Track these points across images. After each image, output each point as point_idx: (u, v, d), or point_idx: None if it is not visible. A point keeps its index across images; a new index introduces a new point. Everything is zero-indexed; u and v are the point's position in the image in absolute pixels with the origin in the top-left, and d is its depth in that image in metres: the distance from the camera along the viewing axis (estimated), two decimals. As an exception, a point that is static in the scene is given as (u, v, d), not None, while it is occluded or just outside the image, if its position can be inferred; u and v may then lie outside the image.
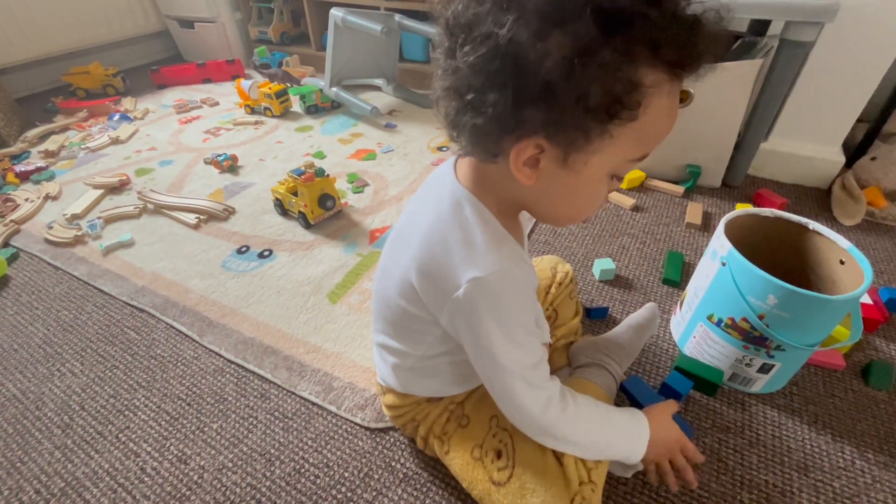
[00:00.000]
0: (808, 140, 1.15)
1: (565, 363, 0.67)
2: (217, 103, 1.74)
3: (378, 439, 0.64)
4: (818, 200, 1.13)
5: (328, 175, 1.03)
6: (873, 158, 1.11)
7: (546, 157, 0.36)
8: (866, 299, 0.80)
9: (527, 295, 0.43)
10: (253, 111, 1.64)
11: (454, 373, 0.53)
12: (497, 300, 0.40)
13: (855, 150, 1.17)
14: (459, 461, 0.52)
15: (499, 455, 0.50)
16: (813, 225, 0.67)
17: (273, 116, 1.61)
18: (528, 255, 0.51)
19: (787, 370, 0.66)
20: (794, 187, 1.18)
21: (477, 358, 0.43)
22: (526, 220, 0.55)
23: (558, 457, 0.48)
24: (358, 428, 0.66)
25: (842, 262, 0.65)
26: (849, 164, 1.15)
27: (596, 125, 0.33)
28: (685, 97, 1.05)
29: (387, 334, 0.53)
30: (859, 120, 1.11)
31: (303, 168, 1.03)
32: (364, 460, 0.62)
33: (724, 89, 1.04)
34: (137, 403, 0.70)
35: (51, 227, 1.05)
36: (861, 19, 0.97)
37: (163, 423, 0.67)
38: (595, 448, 0.47)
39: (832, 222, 1.05)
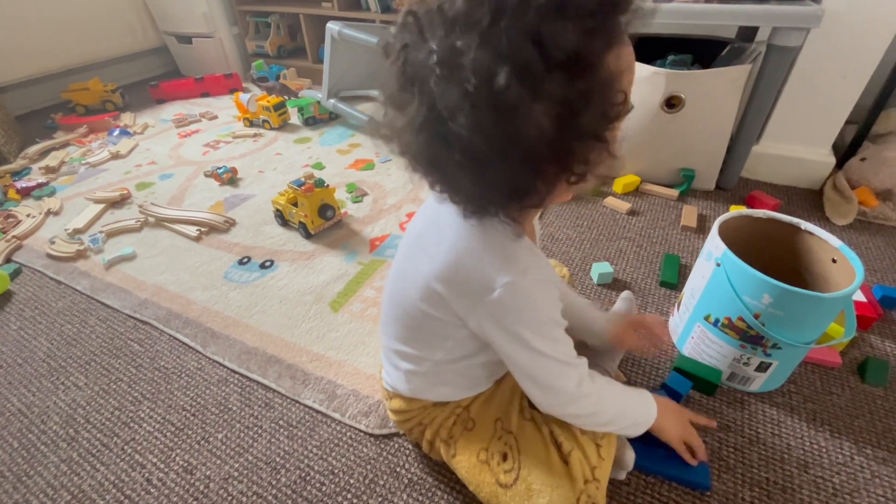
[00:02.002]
0: (799, 142, 1.17)
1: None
2: (216, 117, 1.76)
3: (383, 445, 0.65)
4: (811, 201, 1.14)
5: (328, 185, 1.04)
6: (863, 159, 1.13)
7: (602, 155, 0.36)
8: (860, 297, 0.81)
9: (553, 293, 0.45)
10: (252, 124, 1.66)
11: (466, 378, 0.54)
12: (529, 301, 0.42)
13: (845, 151, 1.19)
14: (466, 464, 0.53)
15: (504, 457, 0.51)
16: (805, 225, 0.69)
17: (272, 129, 1.63)
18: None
19: (785, 368, 0.67)
20: (786, 189, 1.20)
21: (511, 352, 0.45)
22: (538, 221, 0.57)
23: (563, 456, 0.48)
24: (362, 434, 0.66)
25: (834, 261, 0.66)
26: (839, 165, 1.18)
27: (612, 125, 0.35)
28: (677, 102, 1.07)
29: (402, 340, 0.54)
30: (848, 122, 1.14)
31: (303, 179, 1.04)
32: (369, 466, 0.62)
33: (716, 94, 1.06)
34: (142, 415, 0.71)
35: (53, 242, 1.06)
36: (845, 24, 0.99)
37: (168, 433, 0.68)
38: (619, 416, 0.52)
39: (825, 222, 1.07)
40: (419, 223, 0.51)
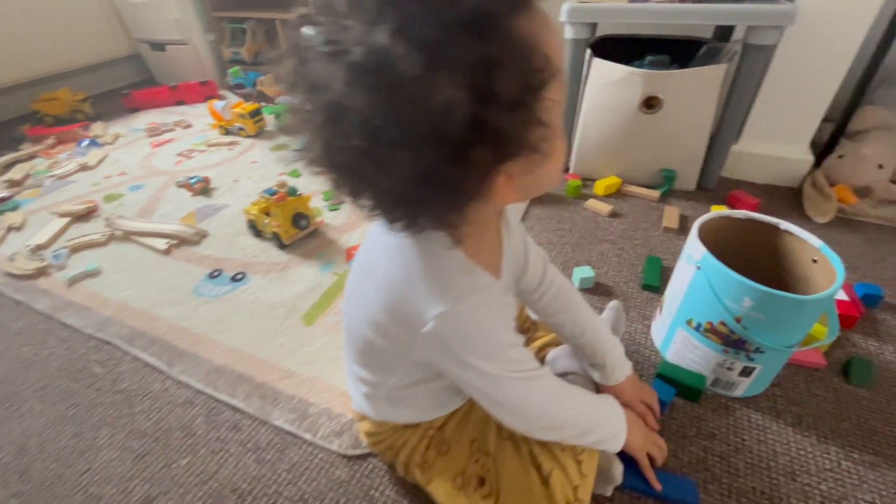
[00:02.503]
0: (778, 140, 1.17)
1: (545, 376, 0.66)
2: (190, 125, 1.71)
3: (356, 467, 0.61)
4: (791, 199, 1.14)
5: (301, 194, 1.01)
6: (840, 156, 1.13)
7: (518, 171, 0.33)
8: (842, 296, 0.80)
9: (502, 315, 0.42)
10: (227, 132, 1.62)
11: (429, 400, 0.51)
12: (470, 330, 0.39)
13: (823, 148, 1.19)
14: (442, 490, 0.50)
15: (482, 482, 0.48)
16: (784, 225, 0.68)
17: (248, 136, 1.59)
18: (504, 260, 0.48)
19: (769, 372, 0.66)
20: (767, 187, 1.19)
21: (466, 379, 0.41)
22: (514, 211, 0.53)
23: (543, 477, 0.46)
24: (335, 456, 0.63)
25: (814, 261, 0.65)
26: (818, 162, 1.18)
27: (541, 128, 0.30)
28: (655, 103, 1.06)
29: (358, 364, 0.51)
30: (825, 119, 1.14)
31: (275, 188, 1.01)
32: (341, 490, 0.59)
33: (693, 94, 1.05)
34: (101, 442, 0.66)
35: (12, 260, 1.01)
36: (819, 22, 0.99)
37: (127, 461, 0.64)
38: (594, 425, 0.49)
39: (805, 220, 1.06)
40: (368, 243, 0.47)
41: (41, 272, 0.99)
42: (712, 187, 1.19)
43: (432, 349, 0.40)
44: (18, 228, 1.15)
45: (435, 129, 0.27)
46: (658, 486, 0.55)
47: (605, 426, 0.50)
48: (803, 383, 0.70)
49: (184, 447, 0.65)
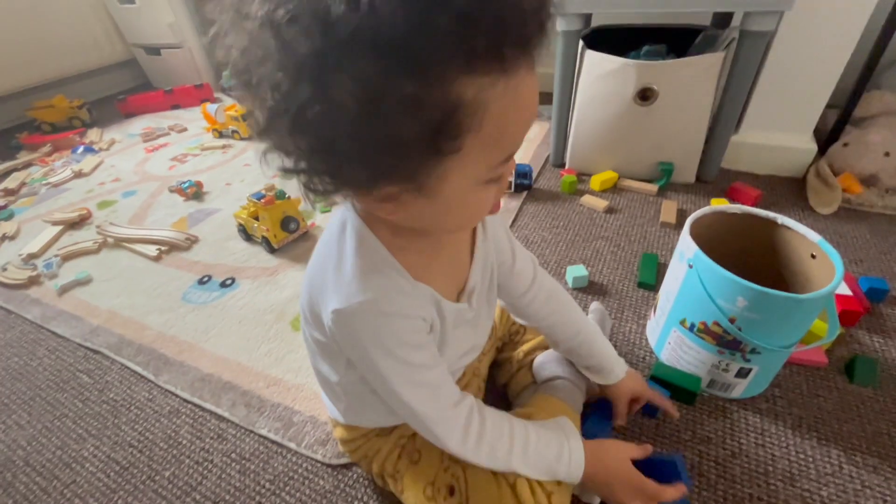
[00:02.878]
0: (779, 129, 1.13)
1: (530, 381, 0.64)
2: (185, 129, 1.71)
3: (340, 477, 0.60)
4: (794, 190, 1.11)
5: (289, 197, 0.99)
6: (846, 144, 1.09)
7: (403, 193, 0.32)
8: (845, 290, 0.77)
9: (401, 328, 0.39)
10: (221, 135, 1.61)
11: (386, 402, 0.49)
12: (361, 332, 0.38)
13: (827, 136, 1.15)
14: (413, 500, 0.49)
15: (451, 491, 0.47)
16: (781, 219, 0.65)
17: (242, 139, 1.58)
18: (473, 277, 0.47)
19: (767, 372, 0.63)
20: (769, 178, 1.16)
21: (374, 383, 0.41)
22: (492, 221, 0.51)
23: (512, 486, 0.44)
24: (319, 465, 0.62)
25: (813, 256, 0.62)
26: (822, 151, 1.14)
27: (428, 160, 0.29)
28: (650, 94, 1.03)
29: (312, 360, 0.51)
30: (830, 106, 1.10)
31: (263, 191, 1.00)
32: (324, 501, 0.58)
33: (690, 84, 1.02)
34: (86, 454, 0.66)
35: (4, 269, 1.01)
36: (820, 6, 0.95)
37: (111, 474, 0.63)
38: (515, 467, 0.44)
39: (808, 212, 1.03)
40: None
41: (33, 281, 0.99)
42: (712, 179, 1.16)
43: (342, 345, 0.40)
44: (12, 237, 1.15)
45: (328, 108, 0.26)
46: None
47: (540, 471, 0.45)
48: (804, 383, 0.67)
49: (168, 458, 0.64)
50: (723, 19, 1.19)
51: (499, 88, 0.28)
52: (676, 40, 1.19)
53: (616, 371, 0.58)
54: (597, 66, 1.06)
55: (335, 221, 0.41)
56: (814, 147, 1.12)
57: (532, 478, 0.45)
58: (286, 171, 0.31)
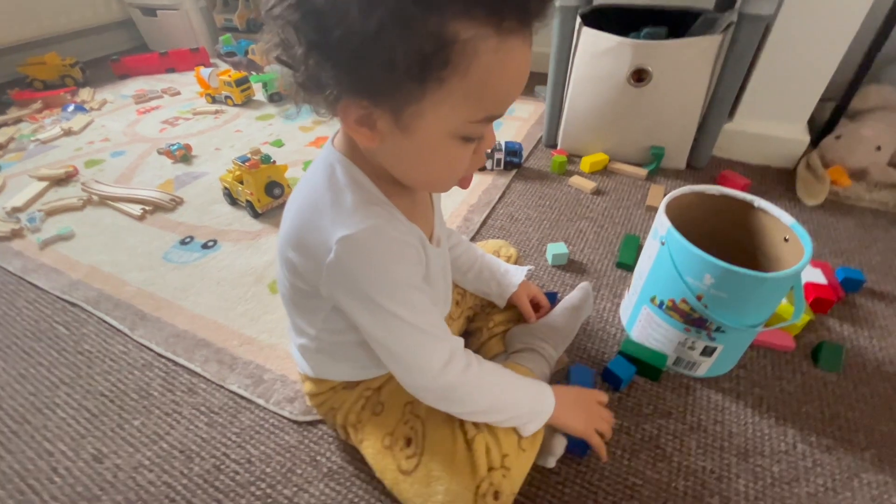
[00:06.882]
0: (773, 119, 1.12)
1: (502, 350, 0.65)
2: (178, 93, 1.69)
3: (305, 433, 0.61)
4: (783, 181, 1.10)
5: (274, 162, 0.99)
6: (838, 137, 1.08)
7: (380, 118, 0.34)
8: (821, 279, 0.78)
9: (403, 253, 0.40)
10: (214, 100, 1.59)
11: (364, 355, 0.50)
12: (369, 257, 0.38)
13: (822, 129, 1.14)
14: (371, 450, 0.50)
15: (408, 442, 0.48)
16: (758, 202, 0.65)
17: (234, 105, 1.56)
18: (437, 227, 0.50)
19: (732, 352, 0.64)
20: (760, 168, 1.15)
21: (365, 322, 0.40)
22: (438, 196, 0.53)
23: (468, 442, 0.45)
24: (285, 422, 0.63)
25: (786, 240, 0.62)
26: (815, 143, 1.13)
27: (411, 86, 0.31)
28: (644, 76, 1.02)
29: (288, 311, 0.51)
30: (827, 99, 1.09)
31: (248, 155, 0.99)
32: (288, 455, 0.59)
33: (685, 67, 1.01)
34: (58, 401, 0.67)
35: (-12, 221, 1.01)
36: (821, -8, 0.94)
37: (82, 420, 0.64)
38: (496, 408, 0.45)
39: (795, 202, 1.03)
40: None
41: (15, 234, 0.98)
42: (703, 166, 1.15)
43: (337, 283, 0.39)
44: (-2, 191, 1.14)
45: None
46: (605, 458, 0.54)
47: (518, 407, 0.46)
48: (770, 366, 0.68)
49: (138, 408, 0.65)
50: (726, 3, 1.16)
51: (491, 43, 0.30)
52: (678, 23, 1.17)
53: (514, 281, 0.65)
54: (592, 44, 1.04)
55: (318, 167, 0.42)
56: (807, 139, 1.11)
57: (506, 419, 0.46)
58: (281, 62, 0.33)
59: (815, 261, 0.83)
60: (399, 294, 0.39)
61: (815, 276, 0.78)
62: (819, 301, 0.75)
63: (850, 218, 0.98)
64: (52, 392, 0.68)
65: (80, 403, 0.66)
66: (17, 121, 1.51)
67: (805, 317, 0.71)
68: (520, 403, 0.46)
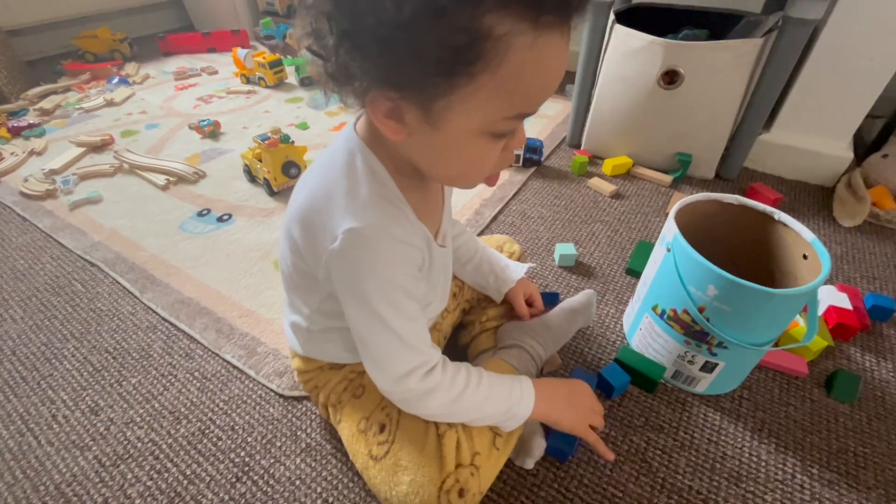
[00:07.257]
0: (815, 133, 1.05)
1: (492, 345, 0.63)
2: (216, 72, 1.74)
3: (290, 407, 0.62)
4: (819, 199, 1.04)
5: (293, 142, 1.00)
6: (885, 156, 1.01)
7: (408, 112, 0.33)
8: (846, 304, 0.72)
9: (405, 255, 0.40)
10: (248, 81, 1.63)
11: (351, 339, 0.50)
12: (371, 253, 0.38)
13: (868, 147, 1.07)
14: (346, 432, 0.50)
15: (382, 429, 0.47)
16: (778, 215, 0.61)
17: (267, 87, 1.60)
18: (444, 222, 0.49)
19: (735, 371, 0.61)
20: (796, 183, 1.09)
21: (351, 312, 0.40)
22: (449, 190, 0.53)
23: (440, 436, 0.44)
24: (272, 394, 0.64)
25: (805, 257, 0.58)
26: (859, 162, 1.06)
27: (440, 79, 0.30)
28: (675, 78, 0.98)
29: (286, 288, 0.51)
30: (876, 116, 1.02)
31: (268, 133, 1.01)
32: (270, 427, 0.60)
33: (721, 71, 0.96)
34: (66, 353, 0.70)
35: (26, 181, 1.07)
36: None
37: (85, 373, 0.67)
38: (459, 416, 0.45)
39: (830, 222, 0.96)
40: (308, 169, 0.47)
41: (49, 194, 1.04)
42: (733, 178, 1.10)
43: (336, 270, 0.39)
44: (40, 153, 1.21)
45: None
46: (611, 457, 0.52)
47: (486, 418, 0.45)
48: (777, 389, 0.64)
49: (137, 367, 0.68)
50: (775, 5, 1.10)
51: (526, 39, 0.28)
52: (722, 26, 1.11)
53: (513, 277, 0.65)
54: (623, 42, 1.01)
55: (339, 151, 0.41)
56: (850, 155, 1.04)
57: (472, 420, 0.45)
58: (312, 52, 0.33)
59: (844, 285, 0.78)
60: (390, 296, 0.39)
61: (839, 300, 0.73)
62: (841, 327, 0.70)
63: (889, 243, 0.91)
64: (62, 344, 0.72)
65: (86, 357, 0.69)
66: (66, 90, 1.60)
67: (823, 342, 0.66)
68: (487, 415, 0.45)
